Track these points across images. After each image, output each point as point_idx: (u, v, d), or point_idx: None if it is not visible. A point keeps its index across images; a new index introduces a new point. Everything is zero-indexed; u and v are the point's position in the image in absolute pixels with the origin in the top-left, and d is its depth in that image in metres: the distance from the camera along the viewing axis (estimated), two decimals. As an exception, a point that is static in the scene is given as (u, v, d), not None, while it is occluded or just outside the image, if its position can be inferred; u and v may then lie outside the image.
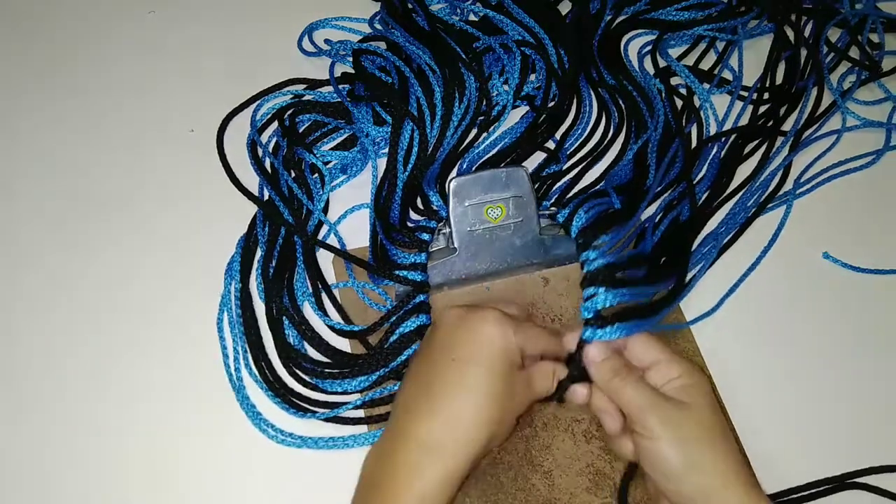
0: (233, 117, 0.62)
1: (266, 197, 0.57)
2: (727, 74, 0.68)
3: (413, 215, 0.57)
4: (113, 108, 0.64)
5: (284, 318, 0.52)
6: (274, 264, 0.54)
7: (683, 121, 0.64)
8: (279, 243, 0.55)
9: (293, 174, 0.58)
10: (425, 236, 0.54)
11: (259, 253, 0.55)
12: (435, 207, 0.56)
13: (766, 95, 0.67)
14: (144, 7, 0.70)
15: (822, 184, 0.62)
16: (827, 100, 0.66)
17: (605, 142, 0.63)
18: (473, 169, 0.58)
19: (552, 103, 0.63)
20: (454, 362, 0.41)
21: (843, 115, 0.66)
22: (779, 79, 0.68)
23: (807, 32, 0.71)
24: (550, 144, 0.62)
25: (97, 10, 0.70)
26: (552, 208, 0.56)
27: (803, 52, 0.69)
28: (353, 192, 0.59)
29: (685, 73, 0.66)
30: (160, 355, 0.51)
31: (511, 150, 0.60)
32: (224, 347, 0.51)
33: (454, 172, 0.59)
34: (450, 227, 0.53)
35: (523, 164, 0.59)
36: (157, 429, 0.49)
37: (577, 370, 0.45)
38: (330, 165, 0.59)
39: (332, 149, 0.60)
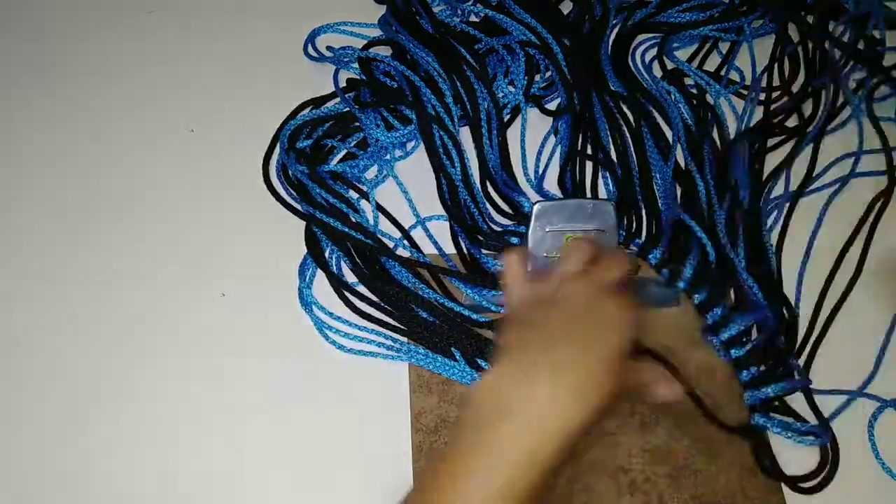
0: (269, 159, 0.60)
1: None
2: (732, 76, 0.67)
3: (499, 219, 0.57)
4: (112, 107, 0.64)
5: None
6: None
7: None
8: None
9: (331, 197, 0.57)
10: (515, 241, 0.54)
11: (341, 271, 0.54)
12: (526, 212, 0.55)
13: (775, 94, 0.65)
14: (144, 7, 0.70)
15: (846, 183, 0.60)
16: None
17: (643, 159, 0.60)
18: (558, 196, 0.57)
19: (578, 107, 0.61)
20: (587, 337, 0.38)
21: (858, 123, 0.63)
22: (787, 77, 0.66)
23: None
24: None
25: (97, 9, 0.70)
26: (633, 248, 0.54)
27: (805, 52, 0.68)
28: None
29: (699, 76, 0.66)
30: (157, 359, 0.52)
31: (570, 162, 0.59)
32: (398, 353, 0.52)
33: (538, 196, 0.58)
34: (525, 248, 0.52)
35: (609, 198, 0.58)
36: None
37: None
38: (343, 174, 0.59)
39: (344, 158, 0.60)
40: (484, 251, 0.54)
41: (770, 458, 0.48)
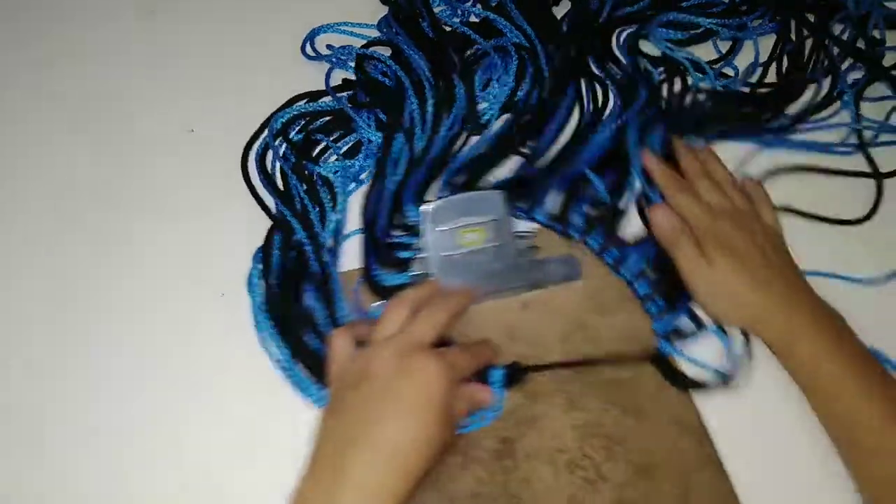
0: (252, 145, 0.60)
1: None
2: (728, 72, 0.67)
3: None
4: (112, 107, 0.64)
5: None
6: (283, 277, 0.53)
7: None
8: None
9: (305, 187, 0.57)
10: (406, 254, 0.53)
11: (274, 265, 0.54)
12: (412, 223, 0.54)
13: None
14: (145, 6, 0.71)
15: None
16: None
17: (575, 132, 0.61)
18: (446, 193, 0.57)
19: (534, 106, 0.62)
20: (398, 415, 0.40)
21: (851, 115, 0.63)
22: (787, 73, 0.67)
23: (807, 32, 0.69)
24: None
25: (97, 9, 0.71)
26: (528, 230, 0.55)
27: (807, 52, 0.68)
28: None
29: (679, 53, 0.66)
30: (159, 356, 0.51)
31: (485, 159, 0.58)
32: (279, 361, 0.50)
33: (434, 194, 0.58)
34: (424, 252, 0.52)
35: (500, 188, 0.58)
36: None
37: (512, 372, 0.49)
38: (345, 171, 0.59)
39: (338, 159, 0.60)
40: (378, 265, 0.53)
41: (679, 375, 0.49)
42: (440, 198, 0.53)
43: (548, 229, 0.55)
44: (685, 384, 0.49)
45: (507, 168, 0.58)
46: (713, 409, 0.48)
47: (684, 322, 0.51)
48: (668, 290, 0.51)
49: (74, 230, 0.57)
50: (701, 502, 0.45)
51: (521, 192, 0.55)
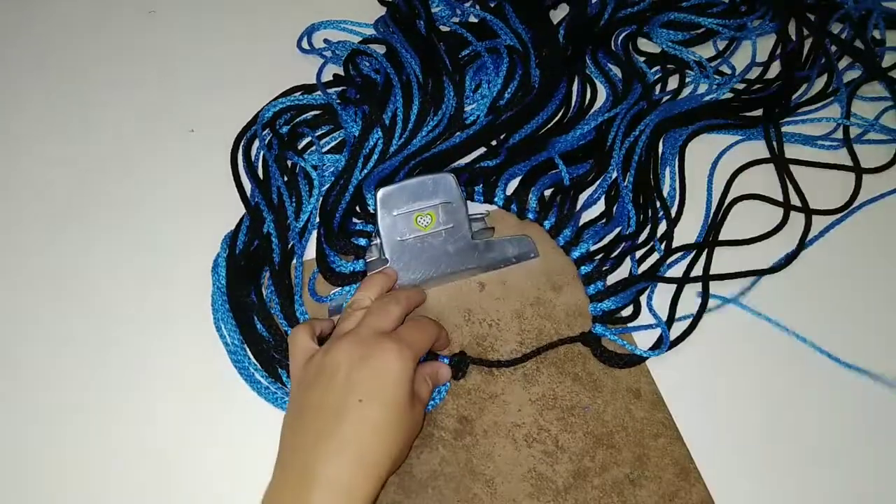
0: (242, 138, 0.60)
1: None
2: (725, 70, 0.67)
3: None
4: (113, 107, 0.64)
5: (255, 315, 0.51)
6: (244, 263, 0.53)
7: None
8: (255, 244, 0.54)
9: (286, 178, 0.57)
10: (362, 241, 0.54)
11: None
12: (372, 211, 0.55)
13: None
14: (145, 7, 0.72)
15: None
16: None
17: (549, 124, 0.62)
18: (402, 176, 0.57)
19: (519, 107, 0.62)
20: (361, 403, 0.40)
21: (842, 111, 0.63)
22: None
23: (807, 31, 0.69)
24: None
25: (97, 9, 0.72)
26: (481, 212, 0.55)
27: (806, 51, 0.68)
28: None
29: (669, 45, 0.66)
30: (161, 352, 0.51)
31: (456, 151, 0.59)
32: (227, 344, 0.50)
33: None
34: (379, 237, 0.52)
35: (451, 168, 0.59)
36: (166, 423, 0.48)
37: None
38: (324, 167, 0.59)
39: (327, 152, 0.60)
40: (335, 252, 0.54)
41: (608, 353, 0.50)
42: (393, 183, 0.53)
43: (503, 210, 0.56)
44: (614, 363, 0.50)
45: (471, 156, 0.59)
46: (666, 376, 0.49)
47: (622, 306, 0.52)
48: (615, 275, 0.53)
49: (74, 231, 0.57)
50: (658, 468, 0.46)
51: (479, 177, 0.56)
